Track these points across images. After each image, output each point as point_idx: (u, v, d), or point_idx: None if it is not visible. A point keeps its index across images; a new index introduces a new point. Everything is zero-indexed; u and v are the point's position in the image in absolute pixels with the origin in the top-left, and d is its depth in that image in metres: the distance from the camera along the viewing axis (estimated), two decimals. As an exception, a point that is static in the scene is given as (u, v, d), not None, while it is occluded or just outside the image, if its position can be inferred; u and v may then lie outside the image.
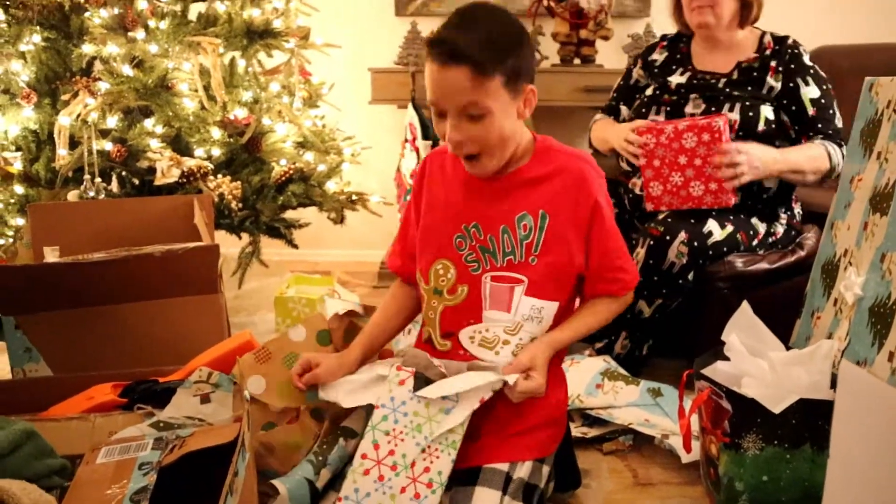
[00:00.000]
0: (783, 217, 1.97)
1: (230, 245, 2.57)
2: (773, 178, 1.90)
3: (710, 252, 1.80)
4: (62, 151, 2.08)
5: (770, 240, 1.93)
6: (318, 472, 1.28)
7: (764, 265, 1.85)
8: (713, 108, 1.91)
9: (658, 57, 2.10)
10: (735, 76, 1.95)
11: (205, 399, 1.41)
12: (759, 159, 1.79)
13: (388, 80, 2.87)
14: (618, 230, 1.37)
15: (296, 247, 2.50)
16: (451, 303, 1.36)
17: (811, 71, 1.93)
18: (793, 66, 1.93)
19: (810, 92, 1.91)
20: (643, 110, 2.02)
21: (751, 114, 1.89)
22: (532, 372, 1.27)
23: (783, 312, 1.59)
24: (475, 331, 1.34)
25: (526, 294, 1.31)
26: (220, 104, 2.29)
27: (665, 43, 2.12)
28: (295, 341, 1.46)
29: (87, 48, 2.19)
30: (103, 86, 2.13)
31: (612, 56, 2.98)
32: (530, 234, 1.32)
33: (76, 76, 2.19)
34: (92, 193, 2.01)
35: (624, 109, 2.13)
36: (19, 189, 2.20)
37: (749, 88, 1.92)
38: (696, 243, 1.78)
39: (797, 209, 2.03)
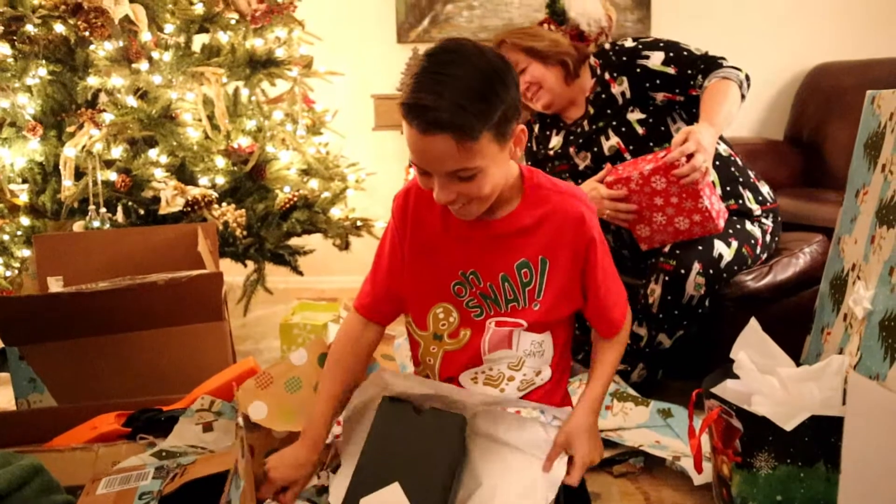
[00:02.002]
0: (756, 207, 1.91)
1: (235, 273, 2.57)
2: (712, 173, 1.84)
3: (725, 275, 1.78)
4: (67, 182, 2.10)
5: (767, 238, 1.90)
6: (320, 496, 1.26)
7: (770, 279, 1.82)
8: (595, 149, 1.92)
9: (536, 129, 2.12)
10: (592, 111, 1.95)
11: (207, 427, 1.40)
12: (701, 137, 1.67)
13: (390, 106, 2.88)
14: (611, 264, 1.34)
15: (301, 273, 2.49)
16: (453, 347, 1.33)
17: (639, 47, 1.90)
18: (624, 58, 1.91)
19: (654, 59, 1.87)
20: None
21: (623, 129, 1.89)
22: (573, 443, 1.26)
23: (791, 329, 1.57)
24: (477, 372, 1.33)
25: (525, 331, 1.30)
26: (224, 133, 2.31)
27: (533, 118, 2.13)
28: (296, 365, 1.45)
29: (93, 80, 2.21)
30: (108, 117, 2.15)
31: (613, 78, 2.99)
32: (532, 280, 1.28)
33: (81, 108, 2.22)
34: (97, 223, 2.02)
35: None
36: (25, 221, 2.21)
37: (608, 111, 1.92)
38: (711, 271, 1.75)
39: (763, 188, 1.96)
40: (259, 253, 2.28)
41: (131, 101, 2.20)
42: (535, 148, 2.12)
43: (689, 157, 1.66)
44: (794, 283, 1.84)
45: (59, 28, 2.21)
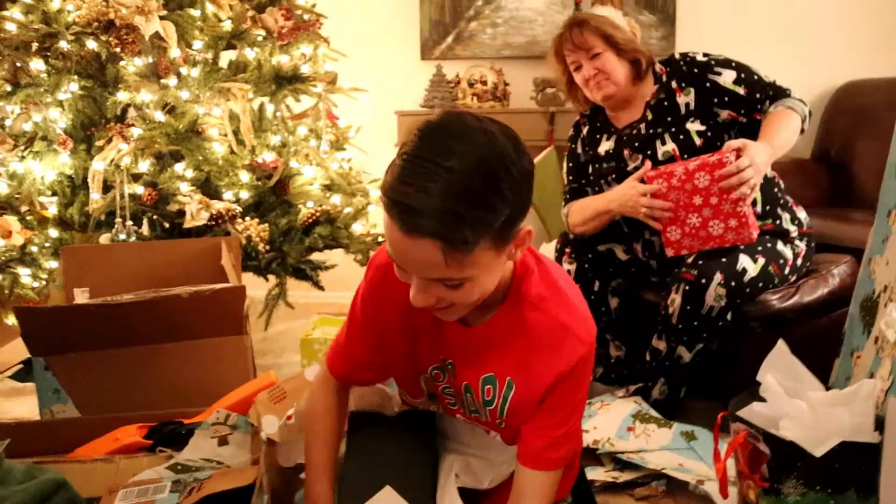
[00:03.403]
0: (793, 229, 1.91)
1: (257, 287, 2.58)
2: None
3: (748, 290, 1.75)
4: (95, 196, 2.13)
5: (798, 262, 1.88)
6: None
7: (797, 299, 1.79)
8: (649, 152, 1.90)
9: (584, 132, 2.10)
10: (650, 116, 1.94)
11: (223, 441, 1.40)
12: (756, 153, 1.71)
13: (414, 122, 2.85)
14: (583, 399, 1.19)
15: (322, 288, 2.50)
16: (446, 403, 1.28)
17: (711, 62, 1.90)
18: (695, 70, 1.91)
19: (726, 77, 1.87)
20: (596, 188, 2.02)
21: (682, 136, 1.88)
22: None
23: (820, 352, 1.54)
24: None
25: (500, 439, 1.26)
26: (249, 148, 2.34)
27: (584, 119, 2.11)
28: (310, 380, 1.45)
29: (122, 95, 2.25)
30: (136, 131, 2.18)
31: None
32: (494, 399, 1.16)
33: (111, 122, 2.26)
34: (123, 236, 2.04)
35: (589, 190, 2.07)
36: (54, 233, 2.25)
37: (668, 118, 1.91)
38: (733, 283, 1.73)
39: (800, 214, 1.96)
40: (281, 267, 2.29)
41: (159, 116, 2.23)
42: (579, 150, 2.09)
43: (738, 157, 1.69)
44: (822, 304, 1.81)
45: (91, 44, 2.26)
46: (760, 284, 1.77)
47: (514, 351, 1.12)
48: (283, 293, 2.40)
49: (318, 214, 2.40)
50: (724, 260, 1.75)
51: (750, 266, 1.76)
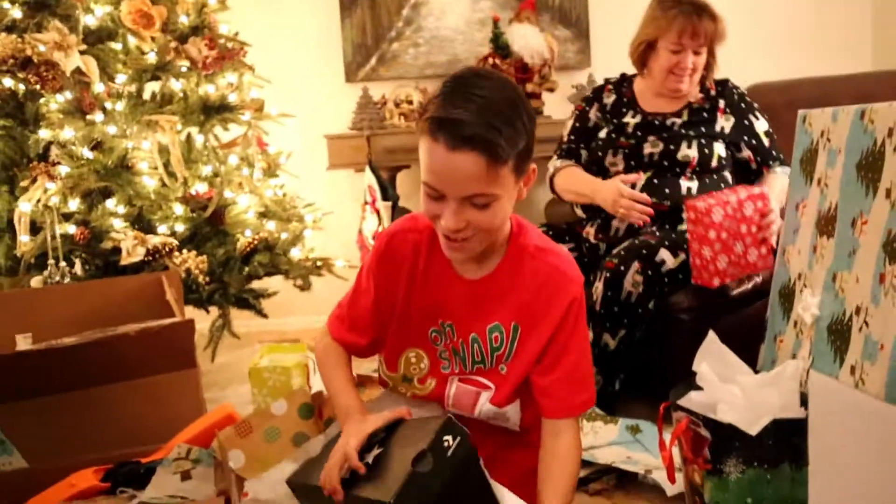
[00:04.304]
0: None
1: (198, 320, 2.55)
2: None
3: (666, 279, 1.86)
4: (24, 238, 2.07)
5: None
6: None
7: (724, 291, 1.91)
8: (672, 146, 2.00)
9: (607, 100, 2.16)
10: (686, 116, 2.06)
11: (185, 476, 1.40)
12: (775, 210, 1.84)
13: (343, 145, 2.93)
14: (586, 344, 1.30)
15: (265, 316, 2.50)
16: (420, 392, 1.33)
17: (755, 106, 2.08)
18: (742, 105, 2.08)
19: (761, 125, 2.07)
20: (599, 153, 2.08)
21: (706, 151, 2.01)
22: None
23: (747, 338, 1.65)
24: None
25: (490, 402, 1.30)
26: (181, 180, 2.32)
27: (610, 87, 2.19)
28: (276, 415, 1.46)
29: (44, 133, 2.20)
30: (63, 170, 2.14)
31: (558, 107, 3.10)
32: (502, 345, 1.27)
33: (33, 161, 2.20)
34: (57, 278, 2.00)
35: (584, 153, 2.15)
36: (-21, 279, 2.18)
37: (703, 128, 2.04)
38: (650, 272, 1.83)
39: None
40: (224, 298, 2.28)
41: (86, 153, 2.19)
42: (592, 113, 2.14)
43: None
44: (748, 295, 1.93)
45: (7, 82, 2.21)
46: (680, 276, 1.87)
47: (517, 298, 1.24)
48: (228, 324, 2.38)
49: (256, 242, 2.40)
50: (644, 252, 1.86)
51: (669, 259, 1.87)
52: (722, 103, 2.07)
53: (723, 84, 2.11)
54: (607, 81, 2.21)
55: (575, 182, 2.07)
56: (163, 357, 1.59)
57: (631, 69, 2.18)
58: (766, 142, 2.07)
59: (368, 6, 3.16)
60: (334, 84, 3.20)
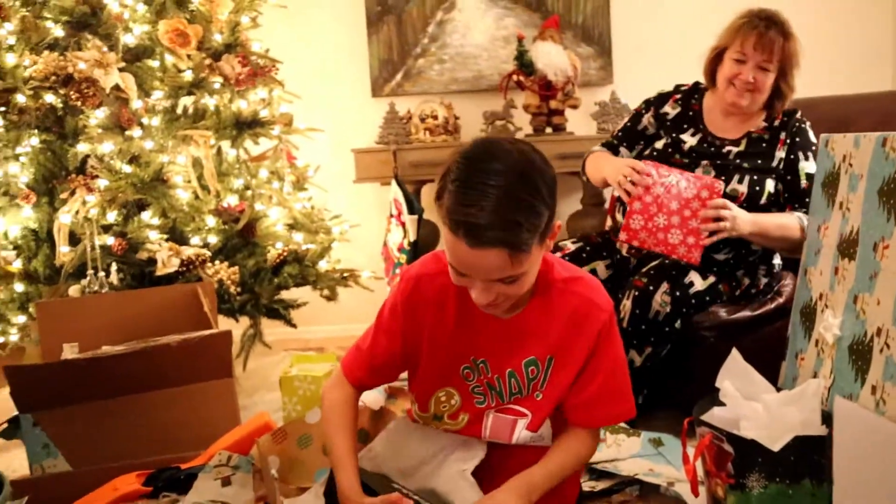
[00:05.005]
0: (762, 269, 2.06)
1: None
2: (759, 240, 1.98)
3: (693, 301, 1.89)
4: (64, 248, 2.15)
5: (752, 291, 2.03)
6: None
7: (746, 312, 1.95)
8: (723, 177, 1.94)
9: (670, 111, 2.11)
10: (744, 146, 1.98)
11: (226, 482, 1.46)
12: (738, 214, 1.85)
13: (370, 159, 2.99)
14: (618, 354, 1.34)
15: (294, 326, 2.56)
16: (452, 427, 1.37)
17: (813, 147, 1.96)
18: (798, 139, 1.97)
19: (808, 167, 1.94)
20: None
21: (757, 188, 1.94)
22: None
23: (768, 356, 1.69)
24: None
25: (527, 428, 1.34)
26: (214, 193, 2.39)
27: (678, 96, 2.12)
28: (310, 423, 1.52)
29: (83, 147, 2.28)
30: (102, 182, 2.21)
31: (581, 123, 3.15)
32: (537, 375, 1.31)
33: (72, 174, 2.28)
34: (95, 287, 2.06)
35: (623, 151, 2.15)
36: (19, 287, 2.25)
37: (758, 161, 1.96)
38: (677, 293, 1.87)
39: (776, 261, 2.10)
40: (255, 308, 2.34)
41: (124, 167, 2.26)
42: (646, 120, 2.12)
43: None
44: (769, 315, 1.95)
45: (49, 98, 2.29)
46: (707, 298, 1.91)
47: (549, 332, 1.28)
48: (259, 333, 2.45)
49: (285, 254, 2.47)
50: (673, 273, 1.89)
51: (698, 281, 1.91)
52: (783, 135, 1.98)
53: (789, 114, 2.01)
54: (677, 89, 2.14)
55: (597, 160, 2.09)
56: (201, 367, 1.65)
57: (653, 88, 2.22)
58: (803, 184, 1.94)
59: (395, 23, 3.23)
60: (361, 99, 3.27)
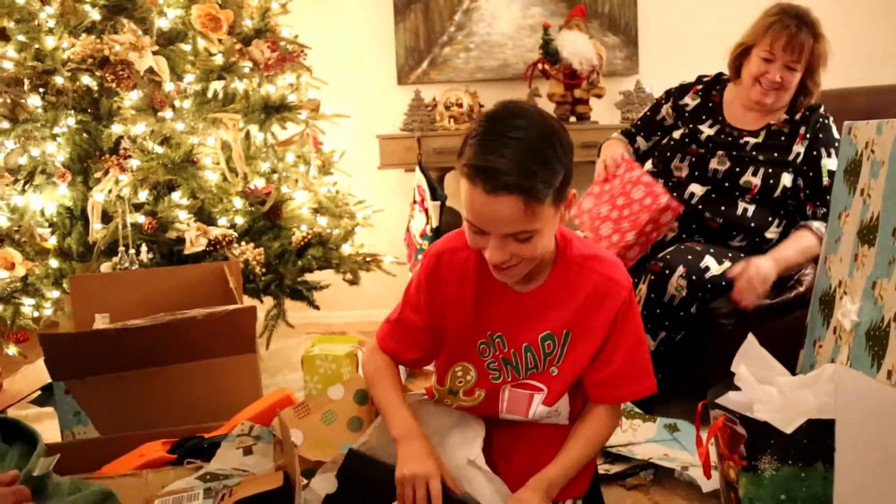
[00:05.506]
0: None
1: (253, 308, 2.67)
2: (775, 231, 1.99)
3: (709, 285, 1.88)
4: (97, 226, 2.21)
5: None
6: None
7: (765, 300, 1.94)
8: (738, 168, 1.95)
9: (690, 102, 2.11)
10: (762, 138, 1.98)
11: (247, 451, 1.50)
12: (763, 270, 1.83)
13: (395, 145, 3.03)
14: (638, 333, 1.35)
15: (317, 308, 2.60)
16: (467, 404, 1.40)
17: (836, 144, 1.93)
18: (820, 135, 1.96)
19: (830, 164, 1.92)
20: (668, 154, 2.06)
21: (771, 181, 1.94)
22: None
23: (787, 345, 1.69)
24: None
25: (543, 403, 1.36)
26: (242, 176, 2.44)
27: (700, 87, 2.12)
28: (333, 399, 1.55)
29: (117, 128, 2.34)
30: (134, 163, 2.27)
31: (605, 112, 3.15)
32: (553, 350, 1.33)
33: (105, 154, 2.34)
34: (126, 264, 2.12)
35: (640, 140, 2.18)
36: (54, 263, 2.32)
37: (775, 154, 1.96)
38: (693, 277, 1.86)
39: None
40: (279, 289, 2.39)
41: (156, 148, 2.32)
42: (665, 111, 2.15)
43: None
44: (789, 304, 1.95)
45: (86, 80, 2.35)
46: (724, 283, 1.89)
47: (567, 307, 1.30)
48: (283, 313, 2.50)
49: (310, 236, 2.51)
50: (689, 257, 1.89)
51: (714, 265, 1.89)
52: (803, 129, 1.97)
53: (812, 109, 1.99)
54: (700, 80, 2.15)
55: (609, 146, 2.17)
56: (226, 341, 1.70)
57: (678, 78, 2.22)
58: (825, 181, 1.92)
59: (422, 11, 3.26)
60: (387, 86, 3.31)
